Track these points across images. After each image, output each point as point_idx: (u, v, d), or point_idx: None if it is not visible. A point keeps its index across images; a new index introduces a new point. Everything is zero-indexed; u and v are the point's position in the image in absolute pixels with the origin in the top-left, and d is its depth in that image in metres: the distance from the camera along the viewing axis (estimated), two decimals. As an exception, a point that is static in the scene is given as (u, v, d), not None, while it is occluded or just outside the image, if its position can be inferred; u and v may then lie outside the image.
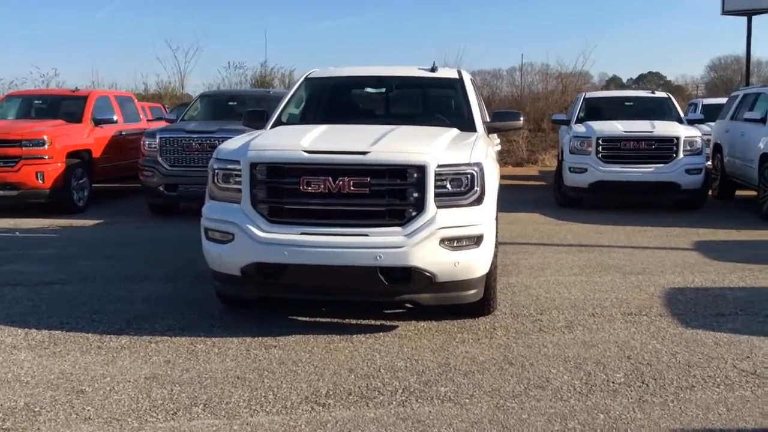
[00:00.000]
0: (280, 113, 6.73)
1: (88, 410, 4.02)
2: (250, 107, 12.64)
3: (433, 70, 7.01)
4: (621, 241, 9.26)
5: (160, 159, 10.98)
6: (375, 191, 4.99)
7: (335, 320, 5.65)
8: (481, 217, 5.14)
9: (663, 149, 11.63)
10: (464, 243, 5.06)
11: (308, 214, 5.09)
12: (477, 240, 5.11)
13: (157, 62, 39.27)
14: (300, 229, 5.05)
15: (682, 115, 13.15)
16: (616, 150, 11.74)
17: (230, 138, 10.56)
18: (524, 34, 61.49)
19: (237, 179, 5.21)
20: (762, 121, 11.53)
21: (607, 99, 14.10)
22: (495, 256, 5.42)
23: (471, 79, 7.09)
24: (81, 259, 8.00)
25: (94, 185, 12.60)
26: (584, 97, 13.95)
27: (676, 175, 11.55)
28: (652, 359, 4.79)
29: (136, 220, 11.10)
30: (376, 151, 5.03)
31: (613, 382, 4.38)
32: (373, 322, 5.61)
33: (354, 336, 5.26)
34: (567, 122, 13.55)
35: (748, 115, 11.91)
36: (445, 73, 7.04)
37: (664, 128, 11.86)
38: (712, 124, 14.66)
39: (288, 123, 6.59)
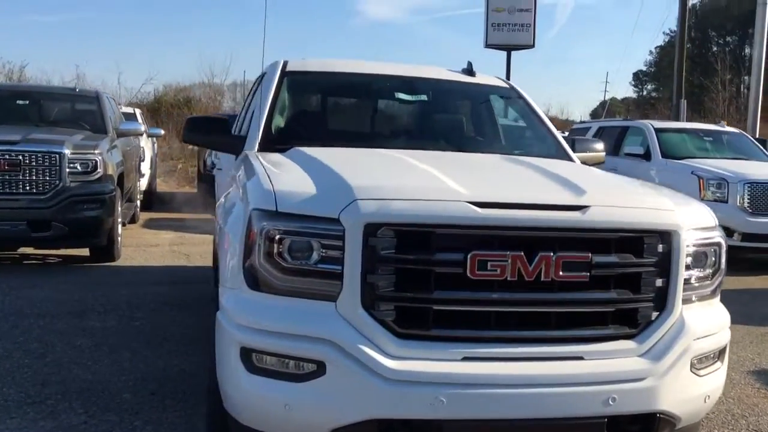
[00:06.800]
0: (267, 123, 4.04)
1: None
2: (49, 109, 9.36)
3: (470, 73, 4.79)
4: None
5: None
6: (598, 277, 2.74)
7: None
8: (726, 315, 3.14)
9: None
10: (710, 362, 3.03)
11: (478, 322, 2.69)
12: (721, 354, 3.10)
13: None
14: (461, 351, 2.65)
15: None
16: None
17: (40, 152, 7.47)
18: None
19: (329, 254, 2.63)
20: (646, 156, 10.83)
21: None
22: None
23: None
24: None
25: None
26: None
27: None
28: None
29: None
30: (600, 204, 2.79)
31: None
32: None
33: None
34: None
35: (628, 149, 11.15)
36: (487, 79, 4.86)
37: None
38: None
39: (282, 141, 3.94)
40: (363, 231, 2.58)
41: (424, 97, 4.62)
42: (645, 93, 67.07)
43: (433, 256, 2.62)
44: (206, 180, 15.01)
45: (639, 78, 67.37)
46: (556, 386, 2.65)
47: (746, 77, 56.23)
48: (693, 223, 2.94)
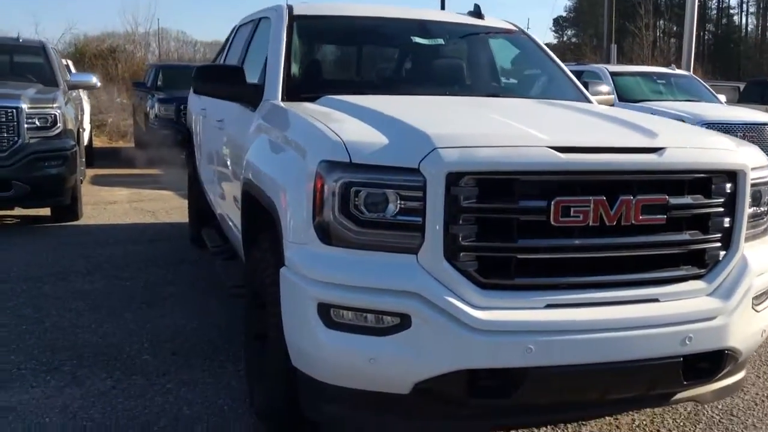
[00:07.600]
0: (286, 70, 3.84)
1: None
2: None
3: (479, 15, 4.67)
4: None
5: None
6: (673, 219, 2.74)
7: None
8: (775, 252, 3.20)
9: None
10: (765, 297, 3.09)
11: (559, 269, 2.66)
12: (772, 289, 3.17)
13: None
14: (544, 299, 2.62)
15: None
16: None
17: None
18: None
19: (408, 205, 2.53)
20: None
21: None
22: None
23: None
24: None
25: None
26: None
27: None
28: None
29: None
30: (674, 146, 2.78)
31: None
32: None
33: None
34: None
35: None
36: (497, 22, 4.75)
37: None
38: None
39: (306, 90, 3.76)
40: (445, 181, 2.49)
41: (441, 41, 4.48)
42: (565, 39, 68.01)
43: (516, 204, 2.56)
44: (149, 134, 14.50)
45: (559, 24, 68.20)
46: (637, 329, 2.65)
47: (661, 21, 57.73)
48: (752, 162, 2.96)
